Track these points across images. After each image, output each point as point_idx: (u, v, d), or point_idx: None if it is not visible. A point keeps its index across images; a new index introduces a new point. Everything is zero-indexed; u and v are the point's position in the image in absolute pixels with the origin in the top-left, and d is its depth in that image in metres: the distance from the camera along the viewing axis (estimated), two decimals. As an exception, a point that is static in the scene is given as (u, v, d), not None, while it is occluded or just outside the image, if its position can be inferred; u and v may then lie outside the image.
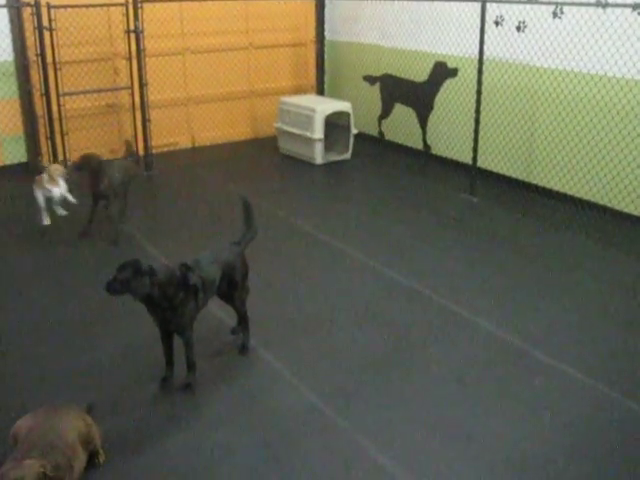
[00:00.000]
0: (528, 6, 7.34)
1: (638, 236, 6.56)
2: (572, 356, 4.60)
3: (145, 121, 8.52)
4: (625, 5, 6.36)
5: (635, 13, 6.42)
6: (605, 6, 6.50)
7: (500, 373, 4.45)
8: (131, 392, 4.25)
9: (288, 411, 4.06)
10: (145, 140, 8.59)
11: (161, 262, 5.04)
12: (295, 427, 3.93)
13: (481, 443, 3.80)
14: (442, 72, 8.59)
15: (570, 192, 7.38)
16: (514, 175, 8.03)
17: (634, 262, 6.03)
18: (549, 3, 7.05)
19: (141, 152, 8.52)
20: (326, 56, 10.37)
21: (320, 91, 10.40)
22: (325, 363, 4.54)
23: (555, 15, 7.17)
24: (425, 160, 9.10)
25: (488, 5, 7.20)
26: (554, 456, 3.69)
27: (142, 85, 8.38)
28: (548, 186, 7.63)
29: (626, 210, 6.86)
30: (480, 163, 7.85)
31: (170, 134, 9.42)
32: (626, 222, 6.79)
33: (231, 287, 4.44)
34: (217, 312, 4.91)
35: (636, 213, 6.79)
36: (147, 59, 8.35)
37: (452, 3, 8.08)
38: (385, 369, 4.47)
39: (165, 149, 9.32)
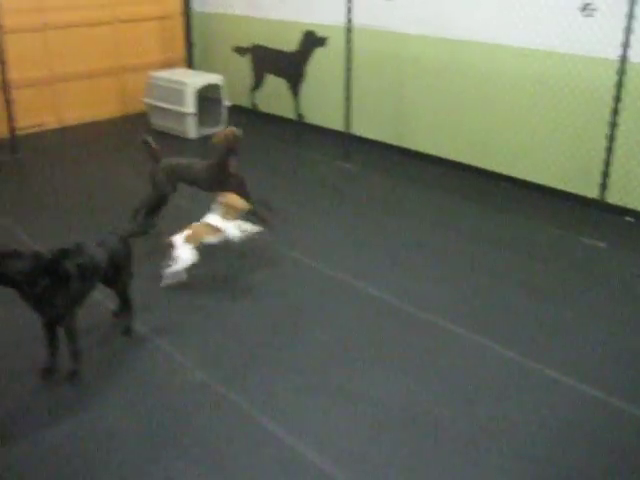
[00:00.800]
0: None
1: (502, 192, 6.95)
2: (448, 311, 4.83)
3: (7, 101, 8.11)
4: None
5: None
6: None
7: (384, 334, 4.60)
8: (12, 383, 4.11)
9: (179, 390, 4.05)
10: (9, 121, 8.19)
11: (30, 248, 4.86)
12: (186, 405, 3.92)
13: (367, 402, 3.93)
14: (311, 41, 8.65)
15: (438, 154, 7.67)
16: (387, 140, 8.24)
17: (500, 216, 6.36)
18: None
19: (5, 134, 8.14)
20: (194, 28, 10.19)
21: (190, 65, 10.23)
22: (214, 343, 4.53)
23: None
24: (299, 129, 9.17)
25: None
26: (441, 411, 3.86)
27: (1, 63, 7.97)
28: (419, 149, 7.89)
29: (491, 169, 7.22)
30: (353, 130, 8.01)
31: (36, 115, 9.01)
32: (492, 180, 7.15)
33: (117, 272, 4.36)
34: (99, 297, 4.80)
35: (500, 171, 7.15)
36: (5, 36, 7.92)
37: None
38: (274, 342, 4.52)
39: (31, 130, 8.92)
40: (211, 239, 5.17)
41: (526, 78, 6.75)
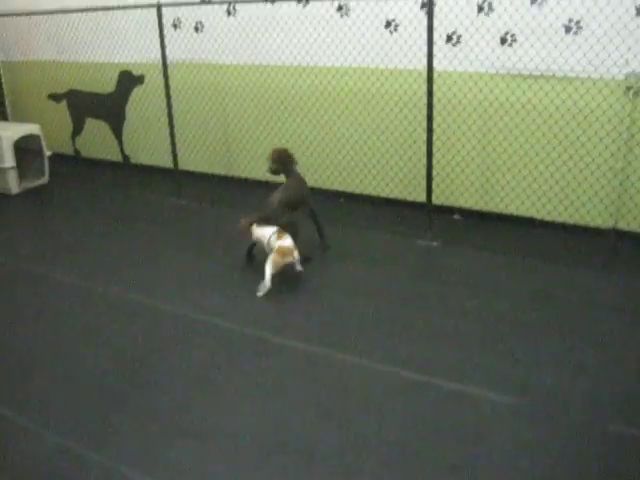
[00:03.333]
0: (203, 7, 7.57)
1: (340, 208, 7.10)
2: (300, 331, 4.78)
3: None
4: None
5: (301, 5, 6.93)
6: (273, 1, 6.93)
7: (241, 364, 4.47)
8: None
9: (34, 459, 3.62)
10: None
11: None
12: (45, 473, 3.52)
13: (226, 437, 3.74)
14: (128, 80, 8.52)
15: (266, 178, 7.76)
16: (216, 171, 8.24)
17: (344, 230, 6.47)
18: (222, 2, 7.32)
19: None
20: (3, 79, 9.76)
21: (3, 116, 9.76)
22: (57, 396, 4.15)
23: (229, 13, 7.48)
24: (127, 171, 8.96)
25: (164, 9, 7.30)
26: (312, 434, 3.72)
27: None
28: (248, 176, 7.96)
29: (325, 187, 7.39)
30: (182, 166, 7.93)
31: None
32: (331, 198, 7.29)
33: None
34: None
35: (335, 188, 7.35)
36: None
37: (128, 10, 8.03)
38: (122, 387, 4.22)
39: None
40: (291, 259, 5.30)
41: (348, 95, 7.01)
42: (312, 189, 6.37)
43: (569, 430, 3.58)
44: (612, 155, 5.96)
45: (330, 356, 4.38)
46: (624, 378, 4.02)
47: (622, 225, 6.04)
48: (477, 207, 6.65)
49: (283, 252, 5.20)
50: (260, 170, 7.72)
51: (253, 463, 3.50)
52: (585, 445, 3.46)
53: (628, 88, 5.78)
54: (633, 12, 5.64)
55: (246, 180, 7.97)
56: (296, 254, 5.25)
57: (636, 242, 5.93)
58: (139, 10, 7.90)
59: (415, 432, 3.63)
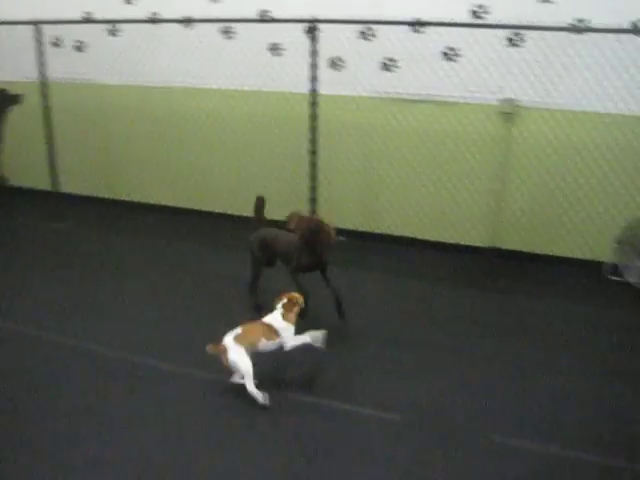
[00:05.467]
0: (85, 26, 7.38)
1: (220, 230, 7.01)
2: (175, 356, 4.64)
3: None
4: (175, 20, 6.81)
5: (184, 27, 6.89)
6: (156, 22, 6.86)
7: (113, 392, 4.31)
8: None
9: None
10: None
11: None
12: None
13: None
14: (4, 100, 8.17)
15: (148, 201, 7.66)
16: (98, 194, 8.00)
17: (218, 252, 6.40)
18: (104, 22, 7.17)
19: None
20: None
21: None
22: None
23: (113, 34, 7.34)
24: (3, 193, 8.55)
25: (44, 27, 7.05)
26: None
27: None
28: (132, 199, 7.78)
29: (207, 209, 7.31)
30: (62, 188, 7.64)
31: None
32: (210, 219, 7.20)
33: None
34: None
35: (218, 210, 7.27)
36: None
37: (3, 27, 7.70)
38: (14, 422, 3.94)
39: None
40: (267, 344, 4.12)
41: (233, 117, 6.98)
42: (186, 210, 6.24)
43: (456, 441, 3.63)
44: (489, 177, 6.18)
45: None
46: (504, 392, 4.13)
47: (499, 244, 6.26)
48: (362, 228, 6.73)
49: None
50: (145, 192, 7.58)
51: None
52: (472, 454, 3.52)
53: (503, 113, 6.03)
54: (505, 43, 5.91)
55: (130, 203, 7.77)
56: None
57: (512, 261, 6.16)
58: (17, 27, 7.61)
59: (301, 452, 3.57)
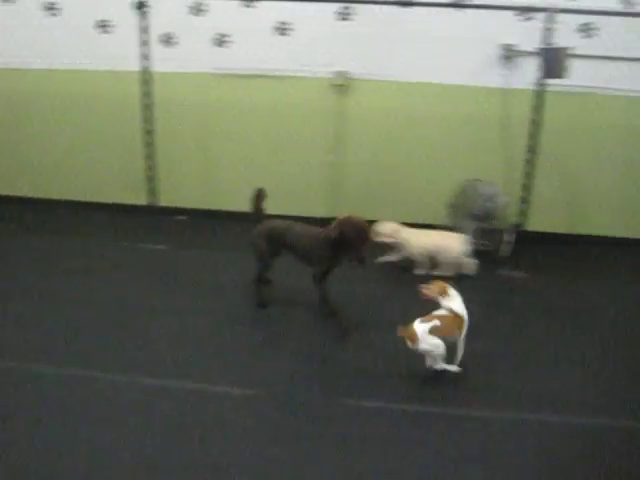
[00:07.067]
0: None
1: (61, 218, 6.66)
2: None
3: None
4: None
5: (2, 3, 6.48)
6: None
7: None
8: None
9: None
10: None
11: None
12: None
13: None
14: None
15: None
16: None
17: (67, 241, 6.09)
18: None
19: None
20: None
21: None
22: None
23: None
24: None
25: None
26: None
27: None
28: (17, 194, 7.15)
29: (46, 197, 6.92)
30: None
31: None
32: (51, 207, 6.82)
33: None
34: None
35: (59, 197, 6.90)
36: None
37: None
38: None
39: None
40: (459, 338, 3.91)
41: (60, 98, 6.59)
42: (31, 199, 5.85)
43: (309, 408, 3.63)
44: (326, 149, 6.29)
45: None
46: (352, 356, 4.16)
47: (338, 214, 6.37)
48: (203, 206, 6.64)
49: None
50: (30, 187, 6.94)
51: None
52: (326, 419, 3.53)
53: (335, 86, 6.14)
54: (336, 17, 6.03)
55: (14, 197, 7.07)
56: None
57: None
58: None
59: (162, 435, 3.42)
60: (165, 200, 6.59)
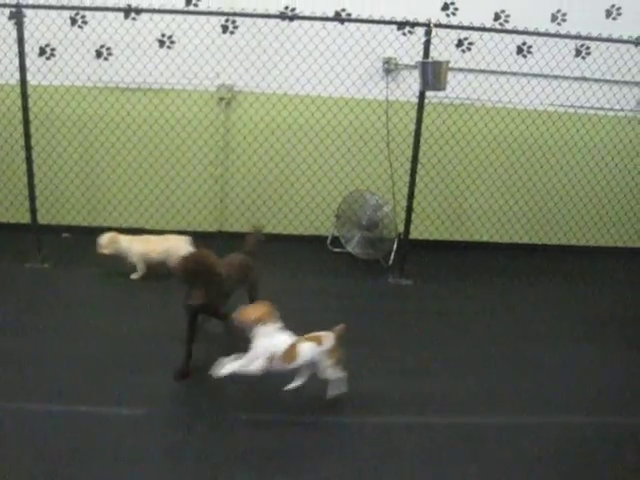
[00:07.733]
0: None
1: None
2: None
3: None
4: None
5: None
6: None
7: None
8: None
9: None
10: None
11: None
12: None
13: None
14: None
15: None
16: None
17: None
18: None
19: None
20: None
21: None
22: None
23: None
24: None
25: None
26: None
27: None
28: None
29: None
30: None
31: None
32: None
33: None
34: None
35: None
36: None
37: None
38: None
39: None
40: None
41: None
42: None
43: (202, 426, 3.52)
44: (211, 163, 6.24)
45: None
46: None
47: (227, 228, 6.33)
48: (85, 223, 6.44)
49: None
50: None
51: None
52: (224, 432, 3.45)
53: (220, 99, 6.12)
54: (220, 30, 6.02)
55: None
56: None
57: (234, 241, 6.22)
58: None
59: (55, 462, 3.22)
60: (47, 218, 6.33)
